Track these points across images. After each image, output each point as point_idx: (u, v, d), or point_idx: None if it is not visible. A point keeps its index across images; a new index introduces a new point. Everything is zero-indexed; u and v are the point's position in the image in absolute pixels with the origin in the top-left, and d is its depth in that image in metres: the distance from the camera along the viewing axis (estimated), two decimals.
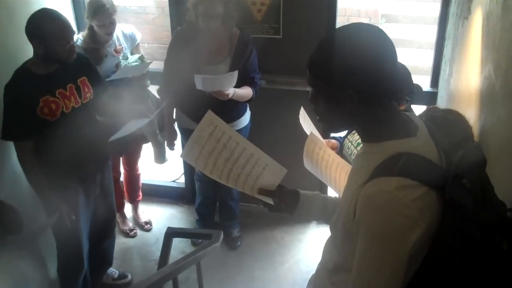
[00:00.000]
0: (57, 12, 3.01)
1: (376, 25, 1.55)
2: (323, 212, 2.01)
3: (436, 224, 1.44)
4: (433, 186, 1.44)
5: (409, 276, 1.48)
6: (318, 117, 1.63)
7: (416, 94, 2.83)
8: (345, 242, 1.63)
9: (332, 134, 3.39)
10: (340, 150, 3.20)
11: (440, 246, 1.44)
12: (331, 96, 1.52)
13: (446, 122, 1.76)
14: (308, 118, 3.05)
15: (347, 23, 1.55)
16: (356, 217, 1.50)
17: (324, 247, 1.88)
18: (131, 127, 3.33)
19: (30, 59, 3.06)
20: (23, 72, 3.01)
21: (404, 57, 2.56)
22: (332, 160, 2.56)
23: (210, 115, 1.97)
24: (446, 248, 1.44)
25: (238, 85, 3.54)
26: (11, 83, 2.98)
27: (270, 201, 2.01)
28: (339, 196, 2.18)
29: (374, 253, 1.45)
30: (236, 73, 3.43)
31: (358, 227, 1.49)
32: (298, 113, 3.06)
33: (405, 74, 2.71)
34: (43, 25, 2.90)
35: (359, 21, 1.67)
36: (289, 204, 2.01)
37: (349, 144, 3.07)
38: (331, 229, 1.81)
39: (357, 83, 1.46)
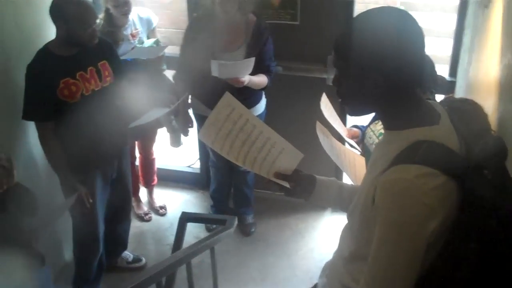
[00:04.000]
0: None
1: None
2: (339, 198, 2.01)
3: (454, 214, 1.43)
4: (453, 176, 1.42)
5: (425, 265, 1.47)
6: (340, 100, 1.62)
7: (440, 85, 2.80)
8: (361, 230, 1.63)
9: (355, 123, 3.37)
10: (361, 139, 3.18)
11: (457, 236, 1.43)
12: (355, 79, 1.51)
13: (465, 111, 1.74)
14: (330, 105, 3.05)
15: (375, 7, 1.53)
16: (375, 204, 1.49)
17: (341, 235, 1.88)
18: (151, 115, 3.35)
19: (52, 40, 3.08)
20: (45, 53, 3.03)
21: None
22: (339, 149, 2.58)
23: (228, 97, 1.96)
24: (463, 238, 1.42)
25: (253, 73, 3.52)
26: (32, 63, 3.00)
27: (286, 184, 2.01)
28: (352, 184, 2.17)
29: (391, 241, 1.44)
30: (252, 60, 3.41)
31: (376, 215, 1.48)
32: (314, 100, 3.05)
33: (429, 65, 2.68)
34: (67, 8, 2.91)
35: (390, 5, 1.65)
36: (305, 189, 2.01)
37: (371, 133, 3.05)
38: (348, 217, 1.81)
39: (383, 67, 1.45)
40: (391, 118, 1.58)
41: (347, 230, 1.82)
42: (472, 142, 1.54)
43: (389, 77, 1.46)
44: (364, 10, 1.53)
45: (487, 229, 1.41)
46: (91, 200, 3.19)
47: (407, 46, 1.45)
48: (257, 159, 1.99)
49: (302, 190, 2.01)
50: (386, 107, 1.56)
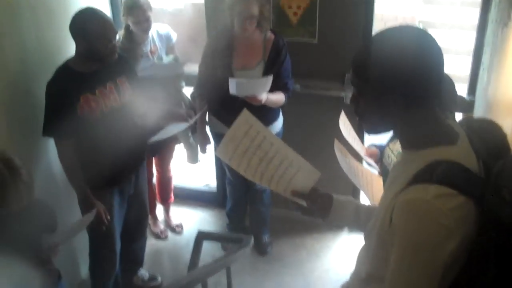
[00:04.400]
0: (101, 11, 3.06)
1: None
2: (356, 218, 1.99)
3: (473, 235, 1.41)
4: (471, 196, 1.40)
5: (443, 287, 1.44)
6: (358, 118, 1.61)
7: (460, 105, 2.77)
8: (378, 251, 1.61)
9: (373, 141, 3.35)
10: (380, 158, 3.16)
11: (476, 258, 1.42)
12: (373, 98, 1.51)
13: (483, 132, 1.72)
14: (348, 123, 3.04)
15: (393, 26, 1.53)
16: (392, 225, 1.47)
17: (358, 255, 1.86)
18: (170, 130, 3.38)
19: (72, 57, 3.10)
20: (65, 70, 3.05)
21: None
22: (356, 167, 2.57)
23: (245, 114, 1.97)
24: (482, 260, 1.40)
25: (270, 91, 3.53)
26: (52, 80, 3.02)
27: (303, 203, 1.99)
28: (369, 203, 2.15)
29: (408, 262, 1.42)
30: (270, 78, 3.42)
31: (393, 235, 1.47)
32: (331, 118, 3.04)
33: (449, 84, 2.65)
34: (87, 23, 2.94)
35: (409, 24, 1.65)
36: (322, 208, 1.99)
37: (390, 152, 3.03)
38: (365, 237, 1.79)
39: (401, 85, 1.44)
40: (409, 137, 1.57)
41: (364, 251, 1.80)
42: (490, 162, 1.52)
43: (407, 96, 1.45)
44: (383, 28, 1.52)
45: (506, 249, 1.39)
46: (108, 217, 3.19)
47: (425, 65, 1.44)
48: (274, 177, 1.99)
49: (319, 209, 2.00)
50: (404, 126, 1.55)
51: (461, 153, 1.50)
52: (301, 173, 1.99)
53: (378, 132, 1.67)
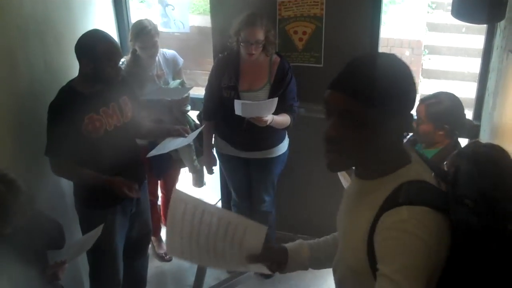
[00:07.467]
0: (108, 34, 3.10)
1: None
2: (313, 258, 2.00)
3: (448, 245, 1.43)
4: (439, 209, 1.43)
5: None
6: (335, 153, 1.52)
7: (467, 128, 2.76)
8: (355, 283, 1.62)
9: None
10: None
11: (453, 267, 1.43)
12: (377, 124, 1.44)
13: (490, 158, 1.73)
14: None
15: (371, 52, 1.55)
16: (378, 256, 1.45)
17: None
18: (168, 145, 3.39)
19: (75, 78, 3.13)
20: (68, 91, 3.08)
21: (447, 89, 2.58)
22: None
23: (176, 193, 1.91)
24: (461, 268, 1.43)
25: (276, 112, 3.56)
26: (55, 100, 3.05)
27: (265, 270, 1.97)
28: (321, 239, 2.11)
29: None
30: (275, 100, 3.45)
31: (372, 263, 1.47)
32: None
33: (458, 107, 2.64)
34: (96, 45, 2.97)
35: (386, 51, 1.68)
36: (279, 263, 1.97)
37: None
38: (333, 273, 1.81)
39: (406, 107, 1.48)
40: (374, 166, 1.54)
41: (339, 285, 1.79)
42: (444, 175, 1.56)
43: (407, 119, 1.49)
44: (366, 53, 1.55)
45: (479, 254, 1.41)
46: (137, 187, 3.19)
47: (415, 86, 1.49)
48: (226, 250, 1.93)
49: (278, 265, 1.98)
50: (372, 154, 1.51)
51: (418, 169, 1.53)
52: (248, 233, 1.92)
53: (347, 167, 1.63)
